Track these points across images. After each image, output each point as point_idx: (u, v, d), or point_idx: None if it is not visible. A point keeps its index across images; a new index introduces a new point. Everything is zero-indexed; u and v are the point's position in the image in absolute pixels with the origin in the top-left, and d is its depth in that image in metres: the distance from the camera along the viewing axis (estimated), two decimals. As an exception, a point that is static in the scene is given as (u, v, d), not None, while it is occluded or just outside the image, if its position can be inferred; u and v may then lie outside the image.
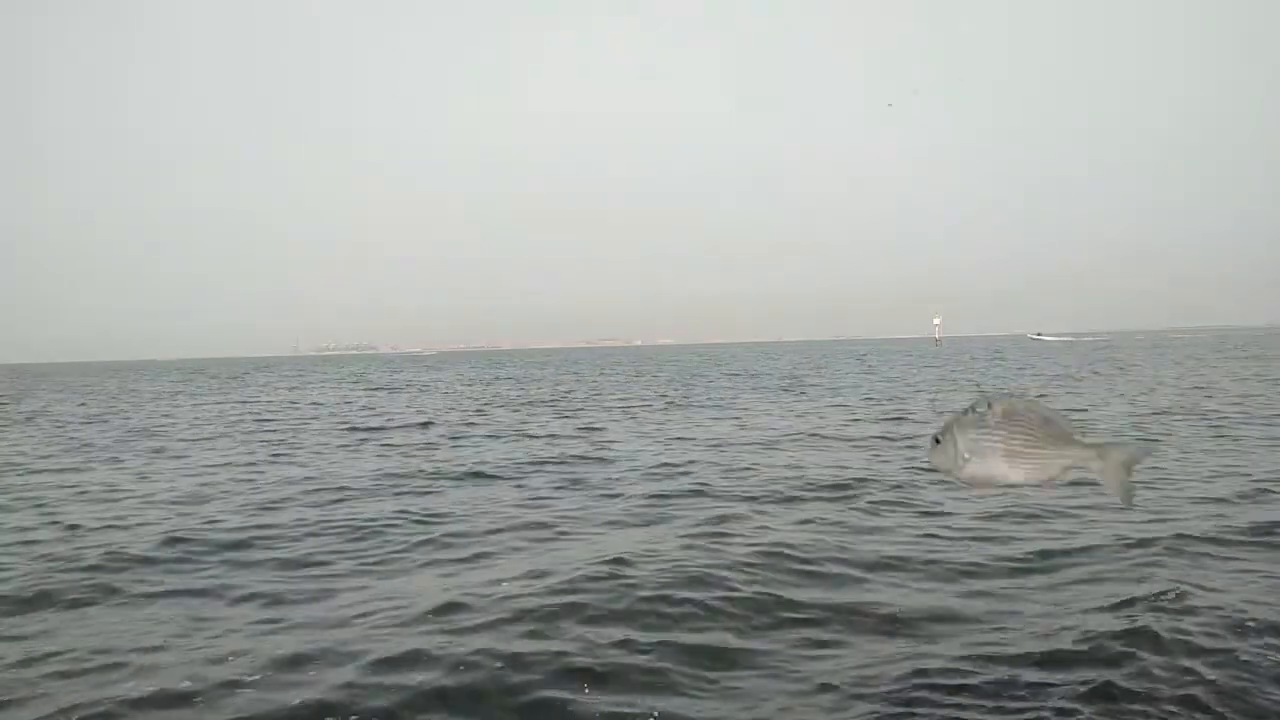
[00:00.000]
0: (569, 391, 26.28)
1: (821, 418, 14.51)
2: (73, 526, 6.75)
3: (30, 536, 6.45)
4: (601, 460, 9.90)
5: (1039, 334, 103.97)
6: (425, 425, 15.36)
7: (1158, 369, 28.44)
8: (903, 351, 75.13)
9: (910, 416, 14.22)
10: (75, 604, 4.70)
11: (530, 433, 13.53)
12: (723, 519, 6.26)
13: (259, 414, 19.84)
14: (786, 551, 5.12)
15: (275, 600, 4.68)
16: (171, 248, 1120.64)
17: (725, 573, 4.70)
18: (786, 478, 8.09)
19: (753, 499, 7.13)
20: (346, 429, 15.15)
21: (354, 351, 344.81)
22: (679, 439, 12.00)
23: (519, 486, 8.28)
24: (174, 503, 7.87)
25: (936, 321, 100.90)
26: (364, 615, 4.29)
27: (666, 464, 9.34)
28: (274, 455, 11.49)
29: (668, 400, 20.64)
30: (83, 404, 26.60)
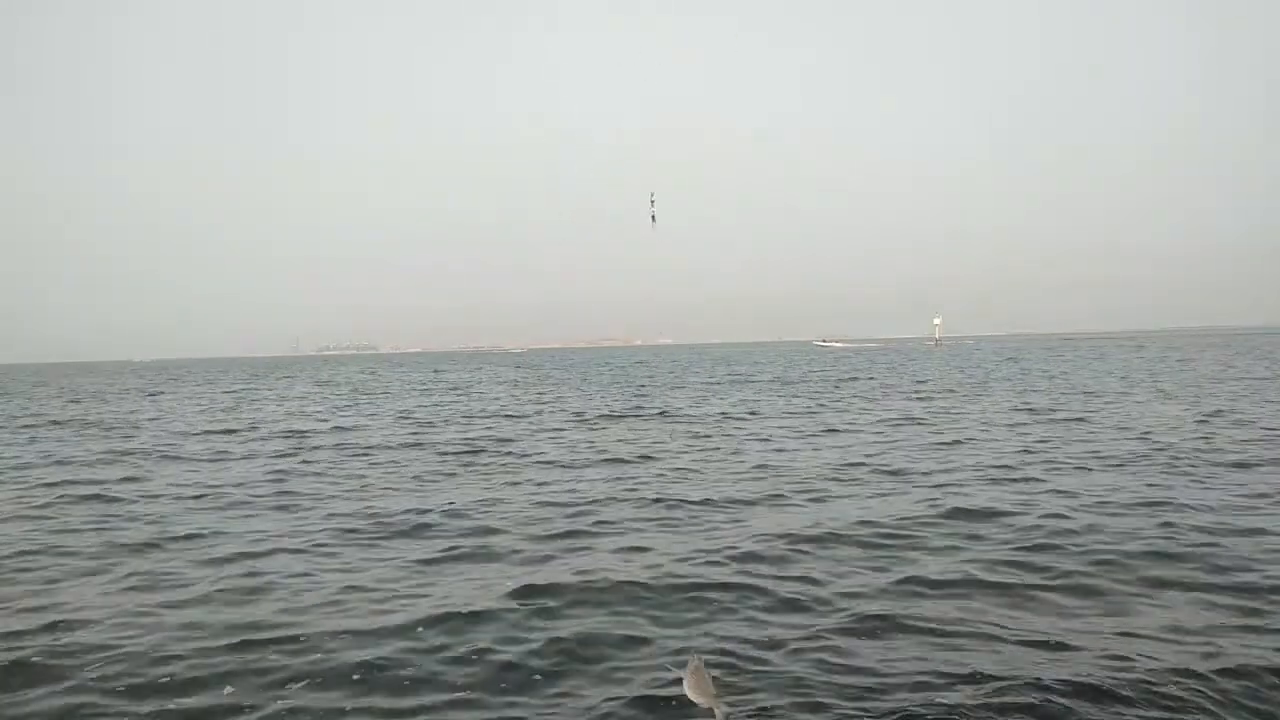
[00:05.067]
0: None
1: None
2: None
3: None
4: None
5: (824, 341, 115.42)
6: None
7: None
8: (921, 352, 78.64)
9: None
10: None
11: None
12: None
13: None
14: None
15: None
16: (171, 247, 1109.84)
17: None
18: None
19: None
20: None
21: (354, 351, 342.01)
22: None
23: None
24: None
25: (936, 322, 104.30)
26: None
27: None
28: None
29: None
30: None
